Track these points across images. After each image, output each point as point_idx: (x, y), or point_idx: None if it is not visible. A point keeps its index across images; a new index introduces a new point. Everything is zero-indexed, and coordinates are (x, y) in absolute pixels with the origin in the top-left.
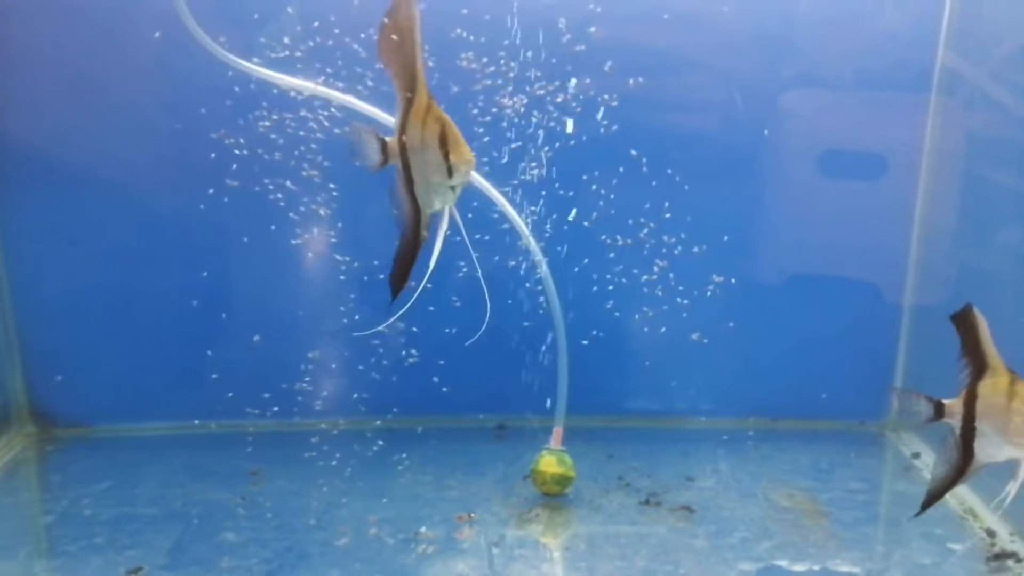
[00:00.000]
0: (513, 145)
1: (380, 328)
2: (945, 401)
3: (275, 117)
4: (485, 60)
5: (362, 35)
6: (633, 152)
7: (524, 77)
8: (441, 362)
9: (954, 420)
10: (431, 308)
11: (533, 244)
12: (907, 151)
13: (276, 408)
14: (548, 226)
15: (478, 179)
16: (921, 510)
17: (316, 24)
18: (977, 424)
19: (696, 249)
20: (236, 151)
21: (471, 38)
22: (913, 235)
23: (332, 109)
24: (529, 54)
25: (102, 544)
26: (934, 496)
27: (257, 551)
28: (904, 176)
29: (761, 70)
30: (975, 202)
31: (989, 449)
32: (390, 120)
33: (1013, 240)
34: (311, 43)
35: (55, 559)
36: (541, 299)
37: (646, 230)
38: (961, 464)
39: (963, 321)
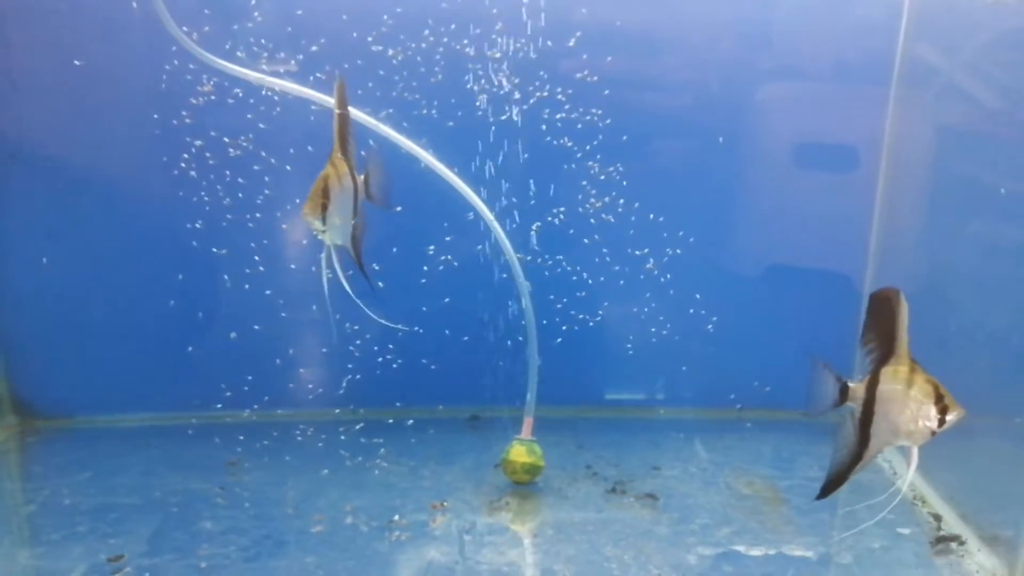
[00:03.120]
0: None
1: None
2: (850, 384)
3: (262, 124)
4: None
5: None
6: (606, 144)
7: (498, 67)
8: (416, 355)
9: (856, 404)
10: (407, 303)
11: (503, 237)
12: (868, 142)
13: (253, 400)
14: (517, 215)
15: (443, 169)
16: (822, 494)
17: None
18: (876, 409)
19: (665, 241)
20: (215, 147)
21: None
22: (873, 227)
23: (325, 109)
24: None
25: (84, 532)
26: (834, 481)
27: (235, 539)
28: (865, 167)
29: (728, 60)
30: (935, 194)
31: (885, 435)
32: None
33: (975, 231)
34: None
35: (38, 547)
36: (512, 291)
37: (616, 222)
38: (858, 449)
39: (883, 304)
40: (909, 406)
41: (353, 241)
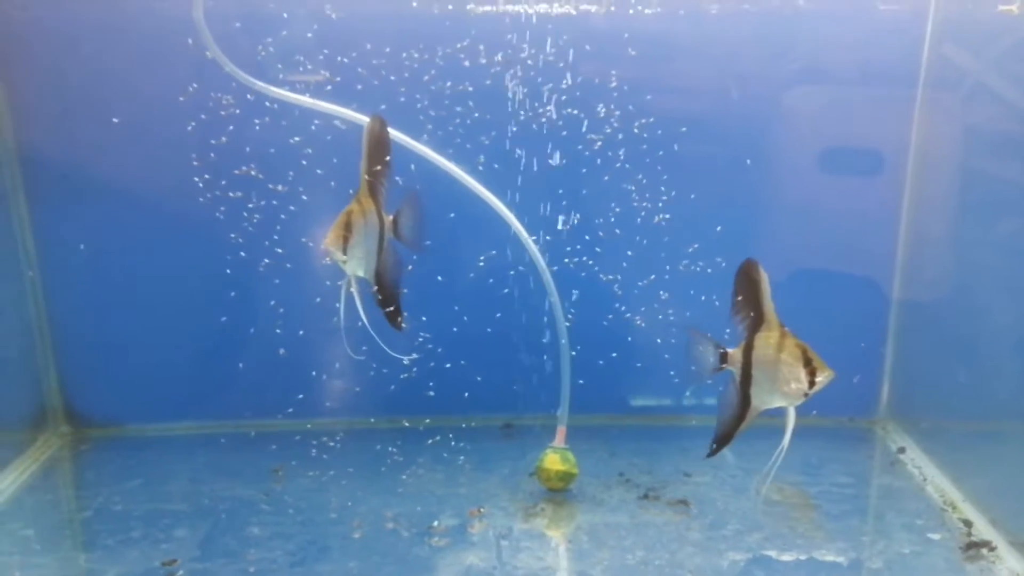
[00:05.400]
0: (509, 133)
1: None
2: (728, 350)
3: (297, 137)
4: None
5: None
6: (637, 152)
7: (522, 69)
8: (450, 365)
9: (735, 368)
10: (440, 314)
11: (532, 246)
12: (895, 145)
13: (296, 409)
14: (548, 226)
15: (472, 182)
16: (711, 452)
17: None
18: (753, 373)
19: (696, 249)
20: (260, 164)
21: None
22: (901, 231)
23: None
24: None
25: (137, 538)
26: (721, 439)
27: (281, 544)
28: (891, 172)
29: (755, 66)
30: (963, 198)
31: (762, 396)
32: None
33: (1001, 235)
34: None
35: (95, 552)
36: (545, 301)
37: (647, 230)
38: (741, 410)
39: (746, 276)
40: (781, 369)
41: (378, 278)
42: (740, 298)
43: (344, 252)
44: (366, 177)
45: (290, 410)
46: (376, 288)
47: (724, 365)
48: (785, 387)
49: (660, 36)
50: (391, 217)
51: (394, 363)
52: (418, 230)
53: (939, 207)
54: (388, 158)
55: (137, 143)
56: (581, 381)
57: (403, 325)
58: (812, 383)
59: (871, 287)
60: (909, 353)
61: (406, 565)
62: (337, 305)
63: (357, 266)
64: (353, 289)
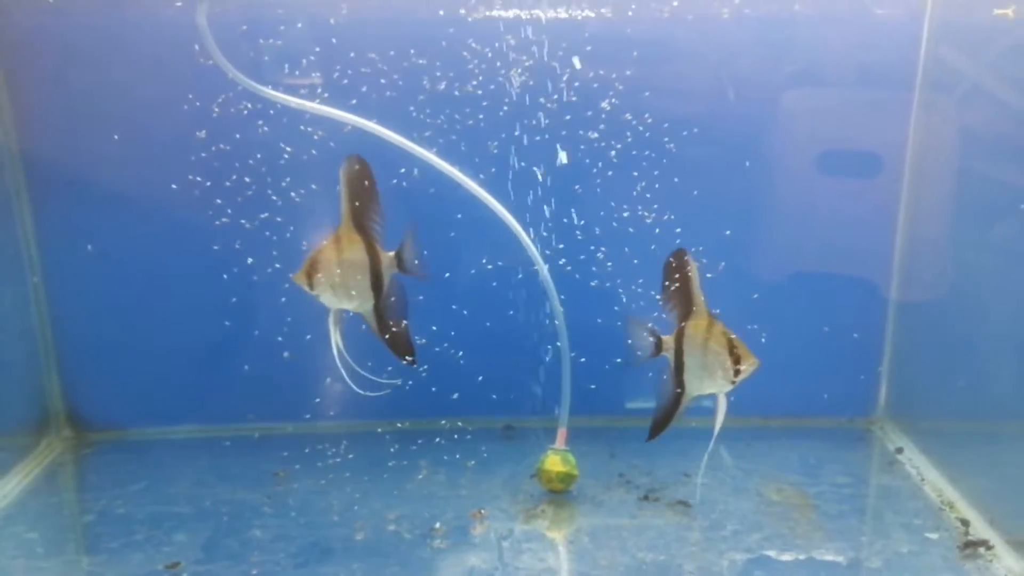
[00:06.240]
0: (500, 137)
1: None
2: (663, 337)
3: (308, 133)
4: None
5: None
6: (633, 154)
7: (522, 72)
8: (450, 368)
9: (669, 354)
10: (441, 317)
11: (532, 247)
12: (892, 147)
13: (297, 413)
14: (548, 228)
15: (472, 185)
16: (650, 436)
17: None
18: (685, 359)
19: (691, 251)
20: (262, 168)
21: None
22: (898, 233)
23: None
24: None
25: (141, 541)
26: (658, 424)
27: (284, 546)
28: (888, 174)
29: (751, 68)
30: (959, 199)
31: (695, 382)
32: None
33: (997, 237)
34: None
35: (99, 555)
36: (545, 304)
37: (645, 232)
38: (676, 395)
39: (676, 265)
40: (709, 356)
41: (377, 312)
42: (671, 287)
43: (310, 287)
44: (349, 215)
45: (291, 415)
46: (378, 325)
47: (660, 352)
48: (713, 374)
49: (659, 40)
50: (392, 253)
51: (396, 366)
52: (420, 261)
53: (936, 209)
54: (375, 194)
55: (140, 148)
56: (593, 386)
57: (414, 362)
58: (738, 371)
59: (869, 288)
60: (907, 354)
61: (408, 567)
62: (332, 336)
63: (335, 300)
64: (332, 321)
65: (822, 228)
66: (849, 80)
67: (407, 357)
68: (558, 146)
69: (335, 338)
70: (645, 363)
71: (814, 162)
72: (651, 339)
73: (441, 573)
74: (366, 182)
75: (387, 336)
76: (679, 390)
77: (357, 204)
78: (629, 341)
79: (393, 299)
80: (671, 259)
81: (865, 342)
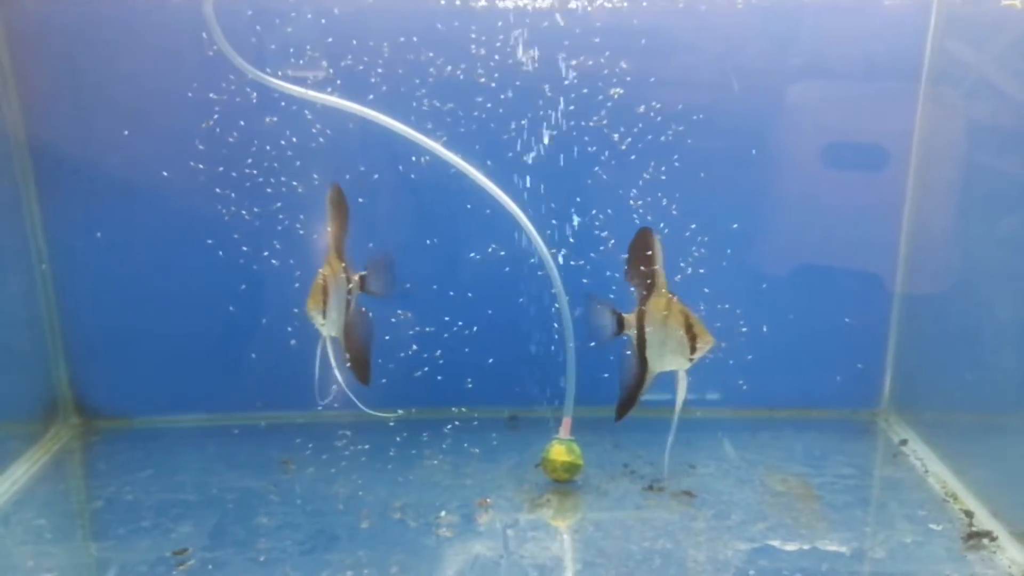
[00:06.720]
0: (508, 134)
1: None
2: (625, 315)
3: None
4: (483, 51)
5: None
6: (638, 147)
7: (528, 63)
8: (456, 358)
9: (631, 332)
10: (447, 307)
11: (539, 241)
12: (898, 140)
13: (304, 401)
14: (555, 220)
15: (480, 177)
16: (617, 417)
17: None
18: (647, 337)
19: (696, 243)
20: (269, 158)
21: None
22: (903, 225)
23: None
24: (524, 43)
25: (148, 527)
26: (625, 402)
27: (290, 534)
28: (894, 166)
29: (757, 61)
30: (966, 192)
31: (657, 359)
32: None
33: (1003, 229)
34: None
35: (107, 541)
36: (549, 294)
37: (652, 224)
38: (640, 372)
39: (642, 244)
40: (668, 334)
41: (347, 331)
42: (636, 265)
43: (323, 316)
44: (335, 241)
45: (298, 404)
46: (345, 344)
47: (622, 331)
48: (673, 351)
49: (663, 30)
50: (357, 276)
51: (400, 357)
52: (389, 284)
53: (942, 201)
54: (347, 217)
55: (147, 137)
56: (606, 374)
57: (368, 380)
58: (694, 348)
59: (874, 280)
60: (911, 346)
61: (413, 555)
62: (317, 362)
63: (332, 327)
64: (327, 345)
65: (827, 220)
66: (855, 72)
67: (363, 381)
68: (543, 126)
69: (332, 360)
70: (609, 343)
71: (820, 154)
72: (613, 318)
73: (446, 561)
74: (343, 206)
75: (347, 360)
76: (642, 369)
77: (340, 230)
78: (592, 321)
79: (358, 322)
80: (637, 237)
81: (870, 334)
